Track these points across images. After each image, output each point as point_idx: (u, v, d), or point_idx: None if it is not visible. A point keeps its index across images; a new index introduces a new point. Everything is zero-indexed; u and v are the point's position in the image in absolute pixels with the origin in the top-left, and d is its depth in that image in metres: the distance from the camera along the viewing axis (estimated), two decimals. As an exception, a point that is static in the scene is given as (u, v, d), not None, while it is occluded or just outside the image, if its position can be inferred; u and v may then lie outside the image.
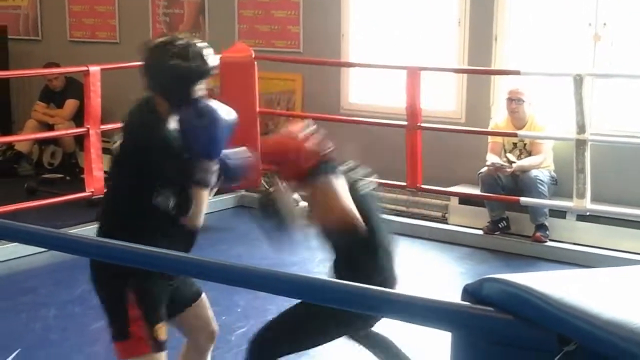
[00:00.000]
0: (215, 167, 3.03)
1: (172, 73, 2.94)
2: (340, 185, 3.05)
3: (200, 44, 3.01)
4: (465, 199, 6.36)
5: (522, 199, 5.81)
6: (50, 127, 7.93)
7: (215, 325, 3.28)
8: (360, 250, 3.07)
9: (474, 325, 1.43)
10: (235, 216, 6.80)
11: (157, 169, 2.92)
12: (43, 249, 5.15)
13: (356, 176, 3.21)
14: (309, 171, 3.07)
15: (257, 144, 6.85)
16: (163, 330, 2.95)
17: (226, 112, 3.05)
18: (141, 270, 2.65)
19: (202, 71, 2.98)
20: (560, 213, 5.93)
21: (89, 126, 6.16)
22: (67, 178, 7.82)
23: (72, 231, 5.21)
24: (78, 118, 7.22)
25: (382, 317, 3.14)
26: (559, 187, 6.00)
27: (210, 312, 3.26)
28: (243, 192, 7.04)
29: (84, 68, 6.15)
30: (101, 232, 2.98)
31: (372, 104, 7.08)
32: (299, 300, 2.92)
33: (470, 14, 6.55)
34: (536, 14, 6.41)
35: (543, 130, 6.03)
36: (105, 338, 4.68)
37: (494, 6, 6.43)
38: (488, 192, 5.97)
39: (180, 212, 2.93)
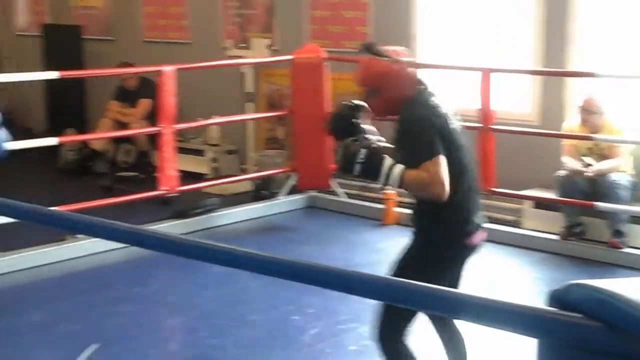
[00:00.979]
0: None
1: None
2: (435, 117, 2.95)
3: None
4: (539, 203, 6.24)
5: (597, 203, 5.66)
6: (124, 126, 8.04)
7: None
8: (446, 202, 2.94)
9: (562, 332, 1.40)
10: (306, 217, 6.81)
11: None
12: (119, 246, 5.24)
13: (446, 107, 3.07)
14: (406, 99, 2.96)
15: (326, 145, 6.85)
16: None
17: None
18: None
19: None
20: (639, 219, 5.77)
21: (162, 125, 6.22)
22: (141, 176, 7.92)
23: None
24: (152, 117, 7.32)
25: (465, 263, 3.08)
26: (638, 192, 5.85)
27: None
28: (314, 193, 7.04)
29: (158, 68, 6.22)
30: None
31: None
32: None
33: (547, 14, 6.43)
34: (613, 14, 6.27)
35: (619, 133, 5.88)
36: (181, 334, 4.77)
37: (570, 7, 6.31)
38: (565, 196, 5.83)
39: None
